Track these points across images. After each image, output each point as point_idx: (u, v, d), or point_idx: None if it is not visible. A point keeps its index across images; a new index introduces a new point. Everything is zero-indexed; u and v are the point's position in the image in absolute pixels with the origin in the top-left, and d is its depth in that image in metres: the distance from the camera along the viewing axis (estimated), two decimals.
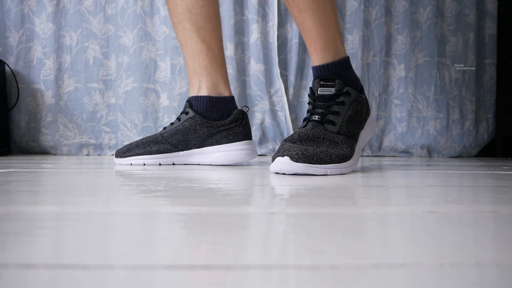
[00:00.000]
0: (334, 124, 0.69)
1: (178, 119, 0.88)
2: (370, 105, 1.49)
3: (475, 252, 0.23)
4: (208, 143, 0.86)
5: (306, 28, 0.74)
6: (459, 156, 1.49)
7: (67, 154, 1.40)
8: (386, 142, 1.48)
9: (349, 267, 0.20)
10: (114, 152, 1.42)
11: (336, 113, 0.69)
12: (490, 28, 1.51)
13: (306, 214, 0.33)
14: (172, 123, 0.89)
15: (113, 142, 1.43)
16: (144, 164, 0.86)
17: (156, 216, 0.32)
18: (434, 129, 1.49)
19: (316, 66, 0.73)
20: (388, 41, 1.48)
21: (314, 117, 0.70)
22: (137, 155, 0.87)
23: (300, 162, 0.62)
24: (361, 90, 0.77)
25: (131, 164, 0.86)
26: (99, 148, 1.43)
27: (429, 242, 0.25)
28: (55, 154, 1.40)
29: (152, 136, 0.89)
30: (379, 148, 1.48)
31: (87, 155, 1.40)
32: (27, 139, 1.41)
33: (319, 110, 0.70)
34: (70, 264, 0.20)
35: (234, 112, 0.87)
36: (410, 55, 1.48)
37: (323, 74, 0.72)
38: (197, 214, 0.32)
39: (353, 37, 1.47)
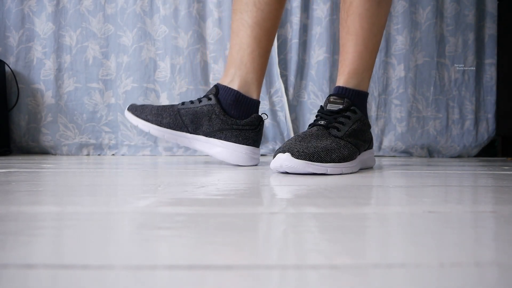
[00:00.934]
0: (339, 130, 0.70)
1: (199, 100, 0.86)
2: (370, 105, 1.49)
3: (475, 252, 0.23)
4: (217, 135, 0.84)
5: (345, 50, 0.77)
6: (459, 156, 1.50)
7: (67, 154, 1.40)
8: (386, 142, 1.48)
9: (349, 267, 0.20)
10: (114, 152, 1.42)
11: (342, 123, 0.71)
12: (490, 28, 1.51)
13: (306, 214, 0.33)
14: (192, 101, 0.86)
15: (113, 142, 1.43)
16: (149, 132, 0.85)
17: (156, 216, 0.32)
18: (434, 129, 1.49)
19: (336, 86, 0.77)
20: (388, 41, 1.48)
21: (320, 122, 0.71)
22: (147, 121, 0.84)
23: (300, 159, 0.62)
24: (368, 124, 0.78)
25: (137, 126, 0.86)
26: (99, 148, 1.43)
27: (429, 242, 0.25)
28: (55, 154, 1.40)
29: (168, 106, 0.86)
30: (379, 148, 1.48)
31: (87, 155, 1.40)
32: (27, 139, 1.41)
33: (325, 119, 0.72)
34: (70, 264, 0.20)
35: (253, 115, 0.86)
36: (409, 55, 1.48)
37: (337, 93, 0.75)
38: (197, 214, 0.32)
39: None
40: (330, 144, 0.67)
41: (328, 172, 0.65)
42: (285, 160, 0.62)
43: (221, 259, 0.21)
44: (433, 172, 0.77)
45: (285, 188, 0.50)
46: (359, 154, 0.73)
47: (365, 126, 0.75)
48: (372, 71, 0.81)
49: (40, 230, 0.27)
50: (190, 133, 0.85)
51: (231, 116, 0.85)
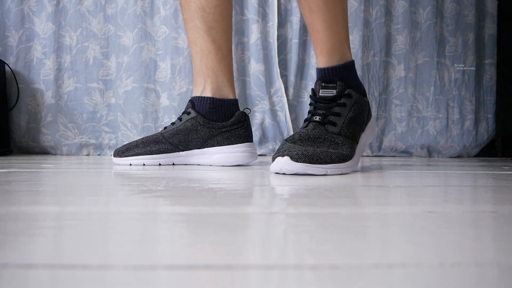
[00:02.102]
0: (335, 125, 0.69)
1: (180, 119, 0.87)
2: (370, 105, 1.49)
3: (475, 252, 0.23)
4: (209, 144, 0.85)
5: (315, 29, 0.74)
6: (459, 156, 1.50)
7: (67, 154, 1.40)
8: (386, 142, 1.48)
9: (349, 267, 0.20)
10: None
11: (337, 114, 0.69)
12: (490, 28, 1.51)
13: (306, 214, 0.33)
14: (173, 123, 0.88)
15: (113, 142, 1.43)
16: (144, 164, 0.86)
17: (156, 216, 0.32)
18: (434, 129, 1.49)
19: (320, 68, 0.73)
20: (388, 41, 1.48)
21: (315, 118, 0.70)
22: (136, 155, 0.86)
23: (300, 162, 0.62)
24: (363, 93, 0.77)
25: (130, 165, 0.85)
26: (99, 148, 1.43)
27: (429, 242, 0.25)
28: (55, 154, 1.40)
29: (152, 136, 0.87)
30: (379, 148, 1.48)
31: (87, 155, 1.40)
32: (27, 139, 1.41)
33: (320, 111, 0.70)
34: (70, 264, 0.20)
35: (236, 113, 0.86)
36: (410, 55, 1.48)
37: (326, 76, 0.72)
38: (197, 214, 0.32)
39: (353, 37, 1.47)
40: (329, 144, 0.67)
41: (328, 173, 0.65)
42: (284, 163, 0.62)
43: (221, 259, 0.21)
44: (433, 172, 0.77)
45: (285, 188, 0.50)
46: (357, 144, 0.72)
47: (362, 106, 0.73)
48: (348, 39, 0.78)
49: (40, 230, 0.27)
50: (182, 151, 0.86)
51: (216, 121, 0.86)
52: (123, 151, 0.87)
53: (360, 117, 0.73)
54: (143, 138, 0.88)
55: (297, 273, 0.19)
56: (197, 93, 0.88)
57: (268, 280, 0.18)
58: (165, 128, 0.88)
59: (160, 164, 0.86)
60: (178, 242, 0.24)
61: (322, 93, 0.71)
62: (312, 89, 0.73)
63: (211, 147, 0.85)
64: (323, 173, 0.64)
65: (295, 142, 0.67)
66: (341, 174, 0.66)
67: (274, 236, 0.27)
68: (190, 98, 0.88)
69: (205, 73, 0.87)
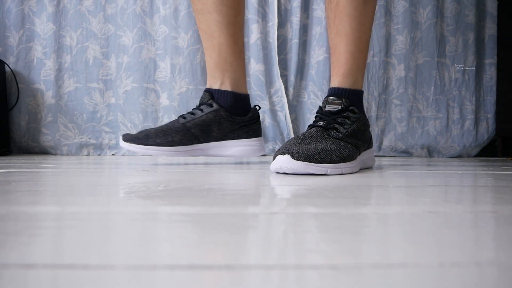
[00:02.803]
0: (338, 131, 0.70)
1: (200, 109, 0.86)
2: (370, 105, 1.49)
3: (475, 252, 0.23)
4: (229, 136, 0.87)
5: (336, 51, 0.77)
6: (459, 156, 1.50)
7: (67, 154, 1.40)
8: (386, 142, 1.48)
9: (349, 267, 0.20)
10: (114, 152, 1.42)
11: (341, 124, 0.71)
12: (490, 28, 1.51)
13: (306, 214, 0.33)
14: (192, 113, 0.86)
15: (113, 142, 1.43)
16: (162, 155, 0.83)
17: (156, 216, 0.32)
18: (434, 129, 1.49)
19: (332, 88, 0.76)
20: (388, 41, 1.48)
21: (320, 123, 0.71)
22: (158, 145, 0.82)
23: (300, 161, 0.62)
24: (367, 124, 0.78)
25: (147, 154, 0.82)
26: (99, 148, 1.43)
27: (429, 242, 0.25)
28: (55, 154, 1.40)
29: (172, 124, 0.84)
30: (379, 148, 1.48)
31: (87, 155, 1.40)
32: (27, 139, 1.41)
33: (325, 120, 0.72)
34: (70, 264, 0.20)
35: (253, 109, 0.90)
36: (410, 55, 1.48)
37: (335, 94, 0.75)
38: (197, 214, 0.32)
39: None
40: (330, 145, 0.67)
41: (328, 173, 0.65)
42: (284, 161, 0.62)
43: (221, 259, 0.21)
44: (433, 172, 0.77)
45: (285, 188, 0.50)
46: (359, 154, 0.73)
47: (365, 125, 0.75)
48: (365, 69, 0.81)
49: (40, 230, 0.27)
50: (202, 143, 0.86)
51: (236, 115, 0.87)
52: (140, 138, 0.82)
53: (362, 134, 0.74)
54: (162, 126, 0.84)
55: (297, 273, 0.19)
56: (215, 86, 0.88)
57: (268, 280, 0.18)
58: (184, 117, 0.85)
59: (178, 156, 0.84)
60: (178, 242, 0.24)
61: (328, 107, 0.73)
62: (320, 106, 0.75)
63: (231, 139, 0.87)
64: (323, 172, 0.64)
65: (296, 142, 0.67)
66: (341, 174, 0.66)
67: (274, 236, 0.27)
68: (207, 89, 0.88)
69: (223, 66, 0.88)
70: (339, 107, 0.72)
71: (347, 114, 0.72)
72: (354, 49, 0.76)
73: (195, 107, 0.87)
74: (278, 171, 0.65)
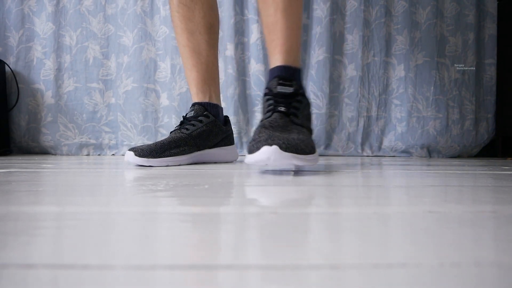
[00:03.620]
0: (297, 117, 0.71)
1: (199, 121, 0.93)
2: (370, 105, 1.49)
3: (475, 252, 0.23)
4: (219, 144, 0.99)
5: (278, 28, 0.76)
6: (459, 156, 1.50)
7: (67, 154, 1.40)
8: (386, 142, 1.48)
9: (349, 267, 0.20)
10: (114, 152, 1.42)
11: (296, 108, 0.71)
12: (490, 28, 1.51)
13: (306, 214, 0.33)
14: (193, 124, 0.93)
15: (113, 142, 1.43)
16: (179, 165, 0.88)
17: (156, 216, 0.32)
18: (434, 129, 1.49)
19: (278, 66, 0.76)
20: (388, 41, 1.48)
21: (280, 108, 0.71)
22: (175, 155, 0.88)
23: (288, 152, 0.60)
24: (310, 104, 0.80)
25: (167, 165, 0.86)
26: (99, 148, 1.43)
27: (429, 242, 0.25)
28: (55, 154, 1.40)
29: (178, 137, 0.90)
30: (379, 148, 1.48)
31: (87, 155, 1.40)
32: (27, 139, 1.41)
33: (282, 105, 0.71)
34: (70, 264, 0.20)
35: (228, 120, 1.02)
36: (410, 55, 1.48)
37: (283, 74, 0.74)
38: (197, 214, 0.32)
39: (353, 37, 1.47)
40: (301, 135, 0.67)
41: (309, 164, 0.64)
42: (274, 152, 0.59)
43: (221, 259, 0.21)
44: (433, 172, 0.77)
45: (285, 188, 0.50)
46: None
47: (309, 109, 0.76)
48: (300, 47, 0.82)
49: (40, 230, 0.27)
50: (200, 150, 0.94)
51: (222, 125, 0.99)
52: (158, 152, 0.85)
53: (310, 117, 0.76)
54: (169, 139, 0.89)
55: (297, 273, 0.19)
56: (205, 99, 0.98)
57: (268, 280, 0.18)
58: (187, 129, 0.92)
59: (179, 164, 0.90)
60: (178, 242, 0.24)
61: (280, 89, 0.72)
62: (267, 87, 0.75)
63: (220, 147, 0.99)
64: (305, 164, 0.63)
65: (272, 131, 0.65)
66: (314, 164, 0.67)
67: (274, 236, 0.27)
68: (198, 102, 0.97)
69: (209, 82, 0.98)
70: (291, 89, 0.72)
71: (299, 98, 0.72)
72: (294, 25, 0.76)
73: (192, 119, 0.94)
74: (264, 162, 0.61)
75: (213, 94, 0.98)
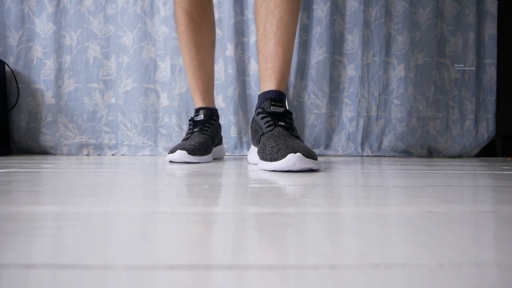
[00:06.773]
0: (294, 130, 0.81)
1: (211, 123, 1.08)
2: (370, 105, 1.49)
3: (475, 252, 0.23)
4: (219, 143, 1.16)
5: (276, 59, 0.85)
6: (459, 156, 1.50)
7: (67, 154, 1.40)
8: (386, 142, 1.48)
9: (349, 267, 0.20)
10: (114, 152, 1.42)
11: (291, 124, 0.82)
12: (490, 28, 1.51)
13: (306, 214, 0.33)
14: (208, 126, 1.07)
15: (113, 142, 1.43)
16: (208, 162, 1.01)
17: (156, 216, 0.32)
18: (434, 129, 1.49)
19: (271, 90, 0.85)
20: (388, 41, 1.48)
21: (281, 123, 0.80)
22: (209, 153, 1.03)
23: (308, 158, 0.70)
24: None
25: (209, 161, 1.01)
26: (99, 148, 1.43)
27: (429, 242, 0.25)
28: (55, 154, 1.40)
29: (203, 137, 1.04)
30: (379, 148, 1.48)
31: (87, 155, 1.40)
32: (27, 139, 1.41)
33: (279, 120, 0.81)
34: (70, 264, 0.20)
35: (218, 121, 1.15)
36: (409, 55, 1.48)
37: (275, 97, 0.84)
38: (197, 214, 0.32)
39: (353, 37, 1.47)
40: (305, 145, 0.76)
41: (319, 167, 0.73)
42: (299, 159, 0.68)
43: (221, 259, 0.21)
44: (433, 172, 0.77)
45: (285, 188, 0.50)
46: None
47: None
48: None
49: (40, 230, 0.27)
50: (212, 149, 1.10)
51: None
52: (201, 150, 0.99)
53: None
54: (202, 139, 1.03)
55: (297, 273, 0.19)
56: (210, 104, 1.13)
57: (268, 280, 0.18)
58: (207, 130, 1.06)
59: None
60: (178, 242, 0.24)
61: (273, 109, 0.82)
62: (260, 107, 0.84)
63: (218, 145, 1.15)
64: (318, 167, 0.72)
65: (288, 140, 0.74)
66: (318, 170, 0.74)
67: (274, 236, 0.27)
68: (203, 107, 1.10)
69: (210, 90, 1.13)
70: (282, 109, 0.83)
71: (290, 116, 0.83)
72: (289, 58, 0.86)
73: (205, 122, 1.07)
74: (290, 168, 0.69)
75: (212, 99, 1.14)
